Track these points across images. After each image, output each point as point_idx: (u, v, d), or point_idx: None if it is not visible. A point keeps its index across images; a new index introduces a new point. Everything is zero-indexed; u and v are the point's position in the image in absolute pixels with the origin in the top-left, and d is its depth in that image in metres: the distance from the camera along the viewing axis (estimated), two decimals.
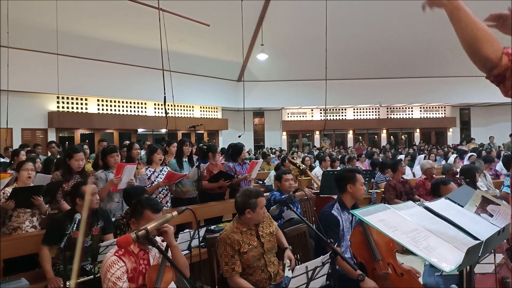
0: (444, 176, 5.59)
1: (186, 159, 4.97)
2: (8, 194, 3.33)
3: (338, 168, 7.60)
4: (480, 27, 1.05)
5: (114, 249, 2.07)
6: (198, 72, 14.64)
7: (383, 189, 5.92)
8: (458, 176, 5.29)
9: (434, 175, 5.60)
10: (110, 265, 1.97)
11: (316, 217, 3.02)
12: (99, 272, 2.26)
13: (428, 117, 18.95)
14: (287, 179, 4.22)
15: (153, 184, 4.27)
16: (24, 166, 3.57)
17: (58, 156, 6.86)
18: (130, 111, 13.59)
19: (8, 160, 6.68)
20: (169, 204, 4.46)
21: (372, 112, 18.71)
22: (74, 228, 2.62)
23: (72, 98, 11.93)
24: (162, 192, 4.38)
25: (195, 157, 5.19)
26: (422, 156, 9.23)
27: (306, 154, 11.04)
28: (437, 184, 3.59)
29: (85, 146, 5.78)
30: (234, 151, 5.29)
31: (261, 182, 8.65)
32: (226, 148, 6.58)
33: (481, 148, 12.07)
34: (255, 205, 2.58)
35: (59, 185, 3.67)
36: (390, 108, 18.66)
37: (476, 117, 18.75)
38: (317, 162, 8.88)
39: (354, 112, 18.70)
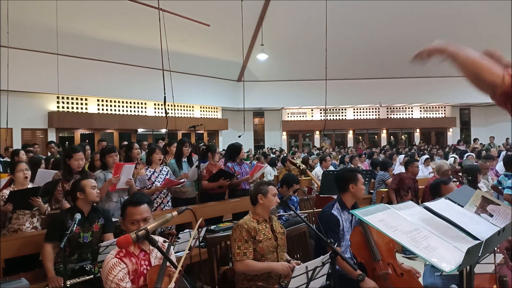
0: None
1: (185, 160, 4.97)
2: (6, 197, 3.31)
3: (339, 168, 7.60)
4: (477, 62, 1.18)
5: (115, 250, 2.06)
6: (198, 72, 14.65)
7: (386, 189, 5.94)
8: (461, 174, 5.27)
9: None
10: (111, 268, 1.97)
11: (316, 217, 3.02)
12: (99, 272, 2.26)
13: (428, 117, 18.95)
14: (295, 189, 4.18)
15: (153, 185, 4.27)
16: (18, 167, 3.52)
17: (58, 156, 6.86)
18: (130, 111, 13.59)
19: (9, 160, 6.67)
20: (169, 203, 4.46)
21: (372, 112, 18.71)
22: (74, 228, 2.62)
23: (72, 98, 11.93)
24: (163, 192, 4.38)
25: (195, 157, 5.19)
26: (425, 157, 9.20)
27: (306, 154, 11.04)
28: (437, 184, 3.53)
29: (87, 147, 5.76)
30: (233, 151, 5.30)
31: None
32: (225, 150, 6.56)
33: (479, 149, 12.06)
34: (266, 190, 2.72)
35: (56, 184, 3.66)
36: (390, 108, 18.66)
37: (476, 117, 18.76)
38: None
39: (354, 112, 18.70)
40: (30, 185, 3.58)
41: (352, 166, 7.87)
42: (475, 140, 14.80)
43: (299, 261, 2.83)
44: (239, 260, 2.55)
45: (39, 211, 3.50)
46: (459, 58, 1.23)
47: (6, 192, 3.39)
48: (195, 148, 5.71)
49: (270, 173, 9.31)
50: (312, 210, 4.54)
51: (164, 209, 4.29)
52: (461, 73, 1.23)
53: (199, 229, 2.56)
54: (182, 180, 4.50)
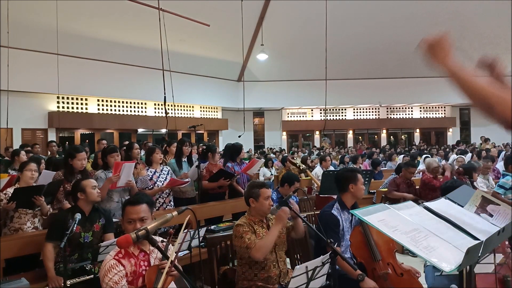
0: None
1: (185, 159, 4.97)
2: (10, 195, 3.32)
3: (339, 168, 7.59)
4: (484, 92, 1.06)
5: (114, 251, 2.06)
6: (198, 72, 14.65)
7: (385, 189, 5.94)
8: (464, 175, 5.25)
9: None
10: (108, 269, 1.96)
11: (316, 217, 3.03)
12: (99, 272, 2.26)
13: (428, 117, 18.96)
14: (296, 187, 4.21)
15: (155, 185, 4.27)
16: (27, 166, 3.56)
17: (57, 156, 6.86)
18: (130, 111, 13.59)
19: (9, 159, 6.67)
20: (172, 203, 4.46)
21: (372, 112, 18.71)
22: (74, 228, 2.62)
23: (72, 98, 11.93)
24: (165, 192, 4.37)
25: (195, 157, 5.18)
26: (425, 156, 9.19)
27: (305, 154, 11.03)
28: (452, 188, 3.45)
29: (86, 149, 5.77)
30: (233, 150, 5.29)
31: None
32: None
33: (473, 147, 12.00)
34: (258, 194, 2.67)
35: (59, 185, 3.67)
36: (390, 108, 18.66)
37: (476, 117, 18.73)
38: None
39: (354, 112, 18.70)
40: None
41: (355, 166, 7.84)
42: (486, 140, 14.20)
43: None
44: (253, 247, 2.50)
45: (41, 211, 3.50)
46: (463, 85, 1.12)
47: (10, 190, 3.40)
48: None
49: (264, 174, 9.29)
50: (312, 212, 4.55)
51: (166, 208, 4.29)
52: (466, 99, 1.12)
53: (188, 230, 2.57)
54: (187, 180, 4.50)
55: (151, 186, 4.24)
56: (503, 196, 4.53)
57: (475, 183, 5.24)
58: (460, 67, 1.16)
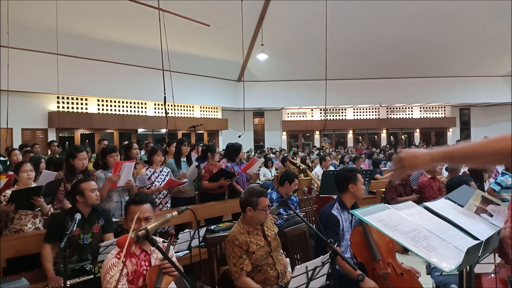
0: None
1: (185, 159, 4.97)
2: (8, 197, 3.29)
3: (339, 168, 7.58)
4: (481, 154, 1.10)
5: (116, 250, 2.06)
6: (198, 72, 14.65)
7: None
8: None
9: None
10: (109, 267, 1.97)
11: (316, 217, 3.03)
12: (99, 272, 2.26)
13: (428, 117, 18.96)
14: (296, 184, 4.22)
15: (153, 185, 4.27)
16: (22, 167, 3.51)
17: (57, 156, 6.86)
18: (130, 111, 13.59)
19: (6, 159, 6.66)
20: (168, 204, 4.46)
21: (372, 112, 18.71)
22: (74, 228, 2.61)
23: (72, 98, 11.93)
24: (162, 193, 4.37)
25: (194, 157, 5.18)
26: None
27: (305, 154, 11.03)
28: (459, 183, 3.40)
29: (88, 149, 5.78)
30: (233, 150, 5.29)
31: (259, 182, 8.65)
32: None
33: None
34: (256, 203, 2.60)
35: (58, 185, 3.66)
36: (390, 108, 18.66)
37: (476, 117, 18.77)
38: None
39: (354, 112, 18.70)
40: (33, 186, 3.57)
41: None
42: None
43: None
44: (237, 277, 2.50)
45: (42, 211, 3.47)
46: (462, 161, 1.15)
47: (9, 192, 3.38)
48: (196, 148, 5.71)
49: (264, 174, 9.29)
50: (310, 207, 4.56)
51: (162, 209, 4.29)
52: (478, 165, 1.16)
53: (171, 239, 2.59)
54: (184, 180, 4.50)
55: (149, 185, 4.24)
56: (496, 194, 4.51)
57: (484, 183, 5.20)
58: (450, 148, 1.18)
